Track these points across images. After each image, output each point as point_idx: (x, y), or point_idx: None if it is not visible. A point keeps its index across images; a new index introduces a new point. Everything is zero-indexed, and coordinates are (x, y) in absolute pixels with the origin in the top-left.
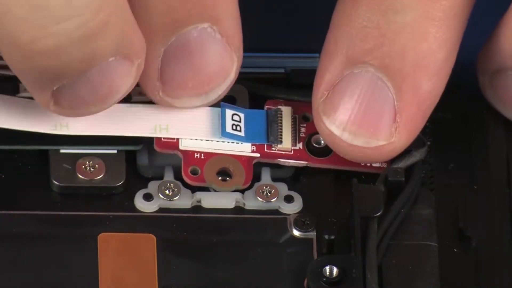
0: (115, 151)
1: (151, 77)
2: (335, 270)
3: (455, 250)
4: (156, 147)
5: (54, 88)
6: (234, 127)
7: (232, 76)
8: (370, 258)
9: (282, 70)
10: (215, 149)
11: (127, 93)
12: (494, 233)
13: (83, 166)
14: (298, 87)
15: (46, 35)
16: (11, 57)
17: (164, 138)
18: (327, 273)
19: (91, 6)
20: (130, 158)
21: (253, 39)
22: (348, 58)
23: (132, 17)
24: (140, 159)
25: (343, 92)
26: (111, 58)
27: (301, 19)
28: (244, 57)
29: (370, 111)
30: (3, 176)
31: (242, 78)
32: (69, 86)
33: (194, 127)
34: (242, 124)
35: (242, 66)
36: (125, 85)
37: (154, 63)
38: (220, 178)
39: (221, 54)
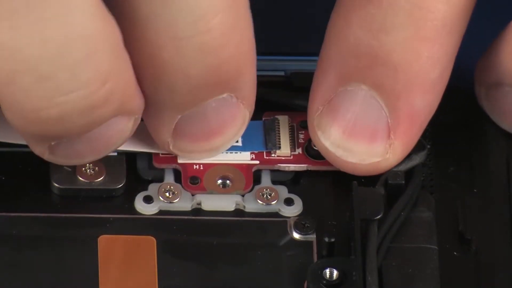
0: (115, 154)
1: (163, 136)
2: (335, 272)
3: (455, 253)
4: (154, 163)
5: (52, 143)
6: None
7: (243, 130)
8: (370, 261)
9: (282, 73)
10: (213, 160)
11: (123, 144)
12: (494, 236)
13: (84, 169)
14: (298, 90)
15: (51, 106)
16: (13, 118)
17: (162, 153)
18: (327, 276)
19: (98, 78)
20: (131, 160)
21: None
22: (341, 76)
23: (133, 78)
24: (140, 162)
25: (337, 108)
26: (108, 121)
27: (302, 22)
28: None
29: (364, 128)
30: (4, 178)
31: None
32: (66, 142)
33: None
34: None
35: None
36: (122, 139)
37: (169, 126)
38: (220, 185)
39: (235, 115)
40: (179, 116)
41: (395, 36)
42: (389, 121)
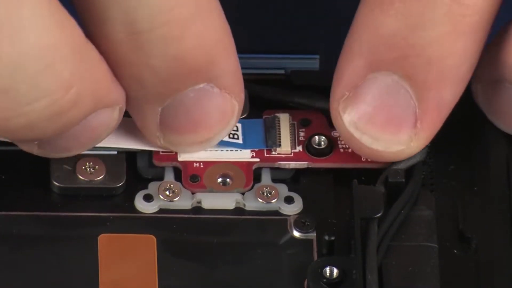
0: (115, 152)
1: (151, 130)
2: (335, 271)
3: (455, 251)
4: (154, 161)
5: (36, 143)
6: (232, 135)
7: (233, 121)
8: (370, 259)
9: (282, 71)
10: (214, 158)
11: (111, 133)
12: (494, 234)
13: (83, 167)
14: (299, 89)
15: (17, 115)
16: None
17: (162, 151)
18: (327, 274)
19: (60, 85)
20: (130, 159)
21: (253, 40)
22: (371, 63)
23: (105, 73)
24: (140, 160)
25: (364, 95)
26: (89, 116)
27: (301, 20)
28: (244, 58)
29: (391, 116)
30: (4, 176)
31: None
32: (50, 141)
33: None
34: (239, 133)
35: (242, 67)
36: (108, 130)
37: (153, 119)
38: (220, 183)
39: (220, 105)
40: (160, 108)
41: (433, 31)
42: (417, 110)
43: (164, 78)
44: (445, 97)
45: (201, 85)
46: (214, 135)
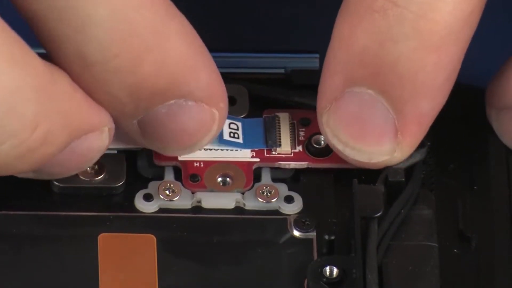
0: (115, 152)
1: (136, 138)
2: (335, 270)
3: (455, 250)
4: (155, 161)
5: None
6: (232, 134)
7: (214, 129)
8: (370, 259)
9: (282, 71)
10: (214, 157)
11: (104, 152)
12: (494, 233)
13: None
14: (299, 88)
15: None
16: None
17: None
18: (327, 274)
19: (25, 126)
20: (130, 158)
21: (253, 40)
22: (347, 79)
23: (81, 101)
24: (140, 160)
25: (343, 109)
26: (70, 145)
27: (302, 19)
28: (244, 57)
29: (371, 129)
30: (4, 176)
31: (242, 79)
32: (40, 169)
33: None
34: (240, 132)
35: (242, 67)
36: (100, 151)
37: (133, 130)
38: (220, 183)
39: (197, 117)
40: (135, 122)
41: (401, 46)
42: (396, 122)
43: (127, 102)
44: (423, 109)
45: (172, 102)
46: (196, 142)
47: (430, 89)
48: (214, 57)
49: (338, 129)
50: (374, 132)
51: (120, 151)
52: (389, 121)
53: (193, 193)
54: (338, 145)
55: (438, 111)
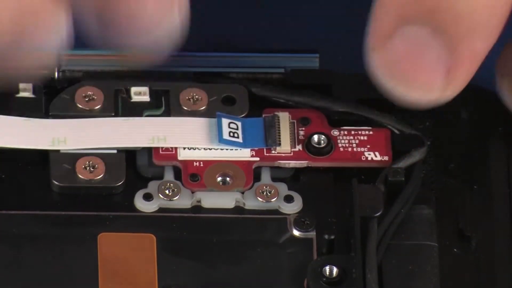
0: (115, 151)
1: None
2: (335, 270)
3: (455, 250)
4: (154, 160)
5: None
6: (232, 134)
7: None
8: (370, 258)
9: (282, 70)
10: (214, 157)
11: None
12: (494, 233)
13: (83, 166)
14: (298, 87)
15: None
16: None
17: (162, 150)
18: (327, 273)
19: None
20: (130, 158)
21: (253, 39)
22: (402, 15)
23: None
24: (140, 159)
25: (397, 46)
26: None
27: (301, 19)
28: (244, 57)
29: (424, 66)
30: (3, 176)
31: (242, 79)
32: None
33: (191, 137)
34: (239, 132)
35: (242, 66)
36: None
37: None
38: (220, 182)
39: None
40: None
41: None
42: (449, 60)
43: None
44: (476, 48)
45: None
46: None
47: (486, 29)
48: (214, 56)
49: (389, 68)
50: (427, 69)
51: (119, 150)
52: (442, 59)
53: (193, 192)
54: (389, 83)
55: (487, 52)
